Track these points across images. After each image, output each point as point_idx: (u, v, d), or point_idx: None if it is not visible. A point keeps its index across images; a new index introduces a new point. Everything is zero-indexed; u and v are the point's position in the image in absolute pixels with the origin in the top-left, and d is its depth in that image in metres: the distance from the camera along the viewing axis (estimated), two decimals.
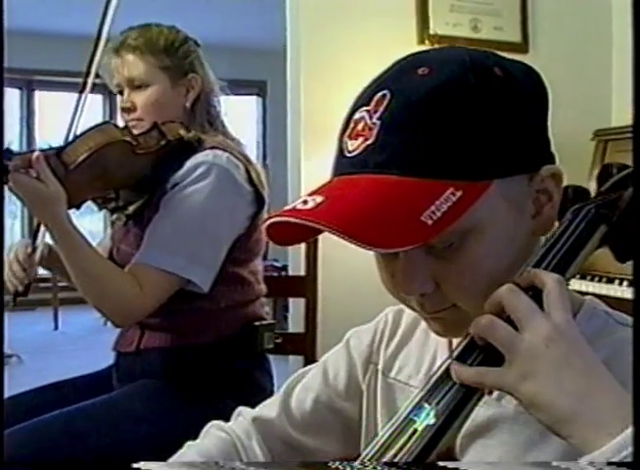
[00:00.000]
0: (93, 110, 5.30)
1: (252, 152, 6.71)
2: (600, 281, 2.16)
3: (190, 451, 0.81)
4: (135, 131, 1.41)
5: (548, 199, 0.64)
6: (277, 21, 2.75)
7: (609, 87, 2.85)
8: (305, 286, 1.79)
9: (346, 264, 2.27)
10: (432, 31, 2.54)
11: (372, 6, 2.49)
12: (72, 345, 4.72)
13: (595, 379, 0.52)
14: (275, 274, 3.87)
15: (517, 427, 0.63)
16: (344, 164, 0.61)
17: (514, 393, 0.53)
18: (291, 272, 2.58)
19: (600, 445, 0.48)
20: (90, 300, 1.32)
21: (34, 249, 1.42)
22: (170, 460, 0.79)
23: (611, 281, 2.14)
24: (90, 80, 1.45)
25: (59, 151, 1.28)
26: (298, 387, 0.84)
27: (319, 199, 0.58)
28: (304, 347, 1.75)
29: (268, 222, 0.59)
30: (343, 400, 0.81)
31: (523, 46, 2.72)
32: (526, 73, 0.64)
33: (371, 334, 0.81)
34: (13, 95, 6.21)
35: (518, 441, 0.63)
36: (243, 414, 0.86)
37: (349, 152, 0.61)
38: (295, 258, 2.51)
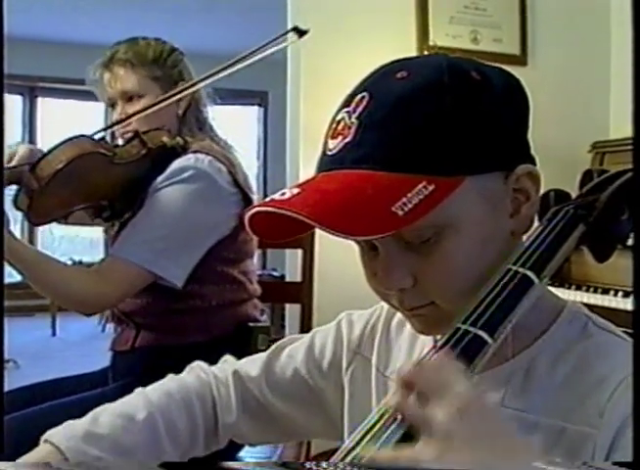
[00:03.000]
0: (95, 117, 5.35)
1: (253, 161, 6.76)
2: (595, 292, 2.17)
3: (169, 383, 0.84)
4: (121, 141, 1.45)
5: (526, 198, 0.65)
6: (279, 32, 2.78)
7: (607, 100, 2.87)
8: (301, 292, 1.80)
9: (342, 271, 2.28)
10: (431, 43, 2.56)
11: (372, 17, 2.52)
12: (70, 350, 4.73)
13: (505, 443, 0.52)
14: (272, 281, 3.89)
15: None
16: (325, 161, 0.64)
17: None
18: (287, 279, 2.60)
19: None
20: (55, 301, 1.36)
21: None
22: (149, 387, 0.83)
23: (606, 292, 2.15)
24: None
25: (32, 166, 1.29)
26: (285, 352, 0.85)
27: (296, 191, 0.60)
28: None
29: (248, 214, 0.62)
30: (322, 378, 0.82)
31: (521, 58, 2.75)
32: (504, 78, 0.66)
33: (363, 324, 0.82)
34: (15, 102, 6.25)
35: None
36: (228, 361, 0.89)
37: (330, 150, 0.64)
38: (291, 266, 2.53)
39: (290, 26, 2.63)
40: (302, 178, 2.37)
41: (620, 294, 2.09)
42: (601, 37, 2.88)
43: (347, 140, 0.62)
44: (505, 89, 0.65)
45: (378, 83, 0.64)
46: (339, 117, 0.64)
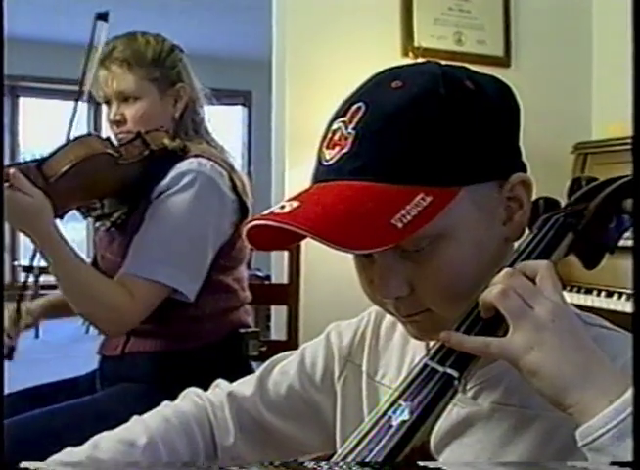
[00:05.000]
0: (78, 117, 5.30)
1: (237, 161, 6.72)
2: (599, 295, 2.18)
3: (166, 410, 0.83)
4: (121, 142, 1.43)
5: (519, 206, 0.66)
6: (263, 32, 2.77)
7: (589, 101, 2.90)
8: (288, 294, 1.81)
9: (328, 273, 2.29)
10: (416, 44, 2.57)
11: (357, 18, 2.53)
12: (54, 353, 4.70)
13: (593, 353, 0.55)
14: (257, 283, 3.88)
15: (491, 425, 0.65)
16: (322, 171, 0.64)
17: (517, 362, 0.55)
18: (274, 281, 2.60)
19: (600, 411, 0.51)
20: (81, 310, 1.33)
21: (18, 314, 1.44)
22: (146, 415, 0.82)
23: (610, 295, 2.17)
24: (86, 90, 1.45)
25: (40, 163, 1.28)
26: (276, 369, 0.86)
27: (295, 203, 0.60)
28: None
29: (248, 226, 0.61)
30: (317, 392, 0.82)
31: (505, 60, 2.77)
32: (497, 87, 0.67)
33: (352, 332, 0.83)
34: None
35: (492, 438, 0.65)
36: (220, 386, 0.88)
37: (326, 160, 0.64)
38: (277, 267, 2.53)
39: (275, 28, 2.64)
40: (288, 180, 2.38)
41: (624, 297, 2.10)
42: (583, 39, 2.91)
43: (345, 151, 0.62)
44: (498, 98, 0.66)
45: (373, 93, 0.64)
46: (334, 127, 0.64)
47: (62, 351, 4.75)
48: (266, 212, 0.61)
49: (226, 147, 1.59)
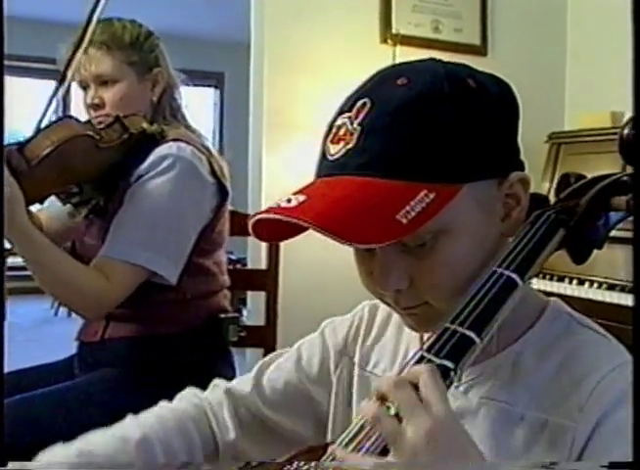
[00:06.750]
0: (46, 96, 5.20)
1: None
2: (570, 283, 2.20)
3: (161, 409, 0.84)
4: (99, 126, 1.41)
5: (516, 203, 0.68)
6: (237, 13, 2.75)
7: (562, 92, 2.95)
8: (267, 279, 1.81)
9: (307, 258, 2.31)
10: (394, 31, 2.58)
11: (336, 3, 2.52)
12: (22, 336, 4.64)
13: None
14: (230, 267, 3.86)
15: (477, 420, 0.68)
16: (326, 166, 0.65)
17: None
18: (250, 266, 2.60)
19: None
20: (58, 297, 1.32)
21: None
22: (142, 415, 0.82)
23: (561, 279, 2.21)
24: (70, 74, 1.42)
25: (21, 146, 1.26)
26: (273, 365, 0.87)
27: (302, 198, 0.61)
28: (264, 340, 1.78)
29: (254, 219, 0.62)
30: (314, 385, 0.84)
31: (481, 49, 2.79)
32: (498, 86, 0.68)
33: (347, 327, 0.85)
34: None
35: (479, 432, 0.66)
36: (219, 385, 0.89)
37: (331, 155, 0.64)
38: (254, 252, 2.54)
39: (253, 11, 2.62)
40: (266, 165, 2.37)
41: (575, 282, 2.16)
42: (558, 30, 2.94)
43: (350, 146, 0.63)
44: (499, 96, 0.67)
45: (378, 90, 0.65)
46: (339, 122, 0.65)
47: (30, 333, 4.70)
48: (273, 205, 0.62)
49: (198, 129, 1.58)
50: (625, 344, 0.68)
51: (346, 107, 0.66)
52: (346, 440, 0.56)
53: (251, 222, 0.63)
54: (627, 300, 1.89)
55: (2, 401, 0.83)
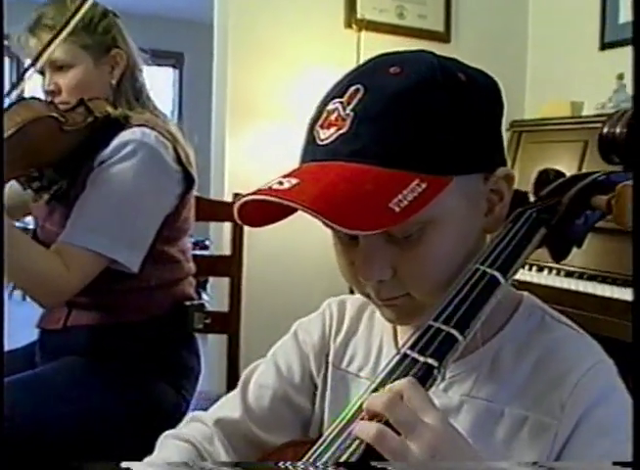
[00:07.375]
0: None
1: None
2: (530, 270, 2.21)
3: (152, 460, 0.78)
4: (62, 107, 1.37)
5: (500, 199, 0.68)
6: None
7: (524, 81, 2.98)
8: (231, 265, 1.80)
9: (271, 244, 2.30)
10: (359, 16, 2.56)
11: None
12: None
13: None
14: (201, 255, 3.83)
15: (460, 417, 0.68)
16: (316, 151, 0.64)
17: None
18: (214, 251, 2.58)
19: None
20: (13, 281, 1.27)
21: None
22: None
23: (540, 269, 2.23)
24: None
25: None
26: (252, 384, 0.83)
27: (294, 181, 0.60)
28: (228, 326, 1.77)
29: (243, 200, 0.61)
30: (298, 394, 0.81)
31: (445, 36, 2.80)
32: (486, 80, 0.69)
33: (320, 327, 0.83)
34: None
35: (462, 430, 0.67)
36: (201, 419, 0.83)
37: (322, 140, 0.63)
38: (217, 238, 2.51)
39: None
40: (229, 147, 2.34)
41: (535, 269, 2.19)
42: (519, 19, 2.97)
43: (342, 131, 0.62)
44: (487, 91, 0.68)
45: (371, 77, 0.64)
46: (330, 107, 0.64)
47: None
48: (263, 187, 0.60)
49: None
50: (594, 334, 0.70)
51: (338, 92, 0.65)
52: (323, 447, 0.56)
53: (238, 203, 0.61)
54: (603, 290, 1.88)
55: (2, 397, 0.80)
